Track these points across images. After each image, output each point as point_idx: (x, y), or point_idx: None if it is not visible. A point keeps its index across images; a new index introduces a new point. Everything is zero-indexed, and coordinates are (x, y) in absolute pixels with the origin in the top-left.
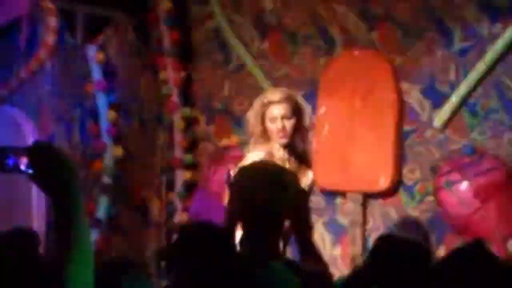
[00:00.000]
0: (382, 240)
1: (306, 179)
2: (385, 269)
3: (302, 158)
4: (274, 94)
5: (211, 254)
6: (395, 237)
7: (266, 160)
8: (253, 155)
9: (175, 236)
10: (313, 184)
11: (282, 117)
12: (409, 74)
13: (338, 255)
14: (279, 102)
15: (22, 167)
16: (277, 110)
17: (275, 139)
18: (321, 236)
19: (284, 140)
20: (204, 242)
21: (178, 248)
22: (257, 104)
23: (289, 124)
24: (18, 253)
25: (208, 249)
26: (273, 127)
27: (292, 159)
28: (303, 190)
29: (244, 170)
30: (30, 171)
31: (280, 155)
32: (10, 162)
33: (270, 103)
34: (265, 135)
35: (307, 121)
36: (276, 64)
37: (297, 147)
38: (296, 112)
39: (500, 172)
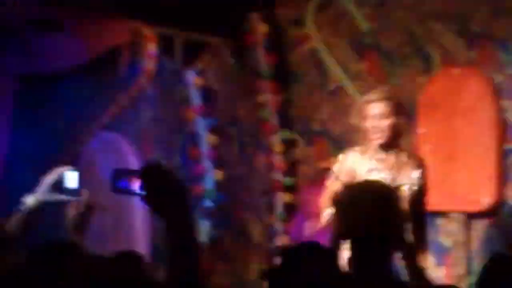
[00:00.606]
0: (495, 260)
1: (410, 179)
2: None
3: (402, 159)
4: (374, 93)
5: (317, 274)
6: (509, 257)
7: (373, 179)
8: (345, 155)
9: (277, 258)
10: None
11: (380, 116)
12: (509, 92)
13: (442, 277)
14: (378, 100)
15: (136, 189)
16: (375, 109)
17: (372, 138)
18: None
19: (380, 140)
20: (310, 262)
21: (283, 269)
22: (359, 102)
23: (386, 123)
24: (126, 274)
25: (314, 269)
26: (370, 125)
27: (391, 160)
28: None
29: (350, 189)
30: (144, 192)
31: (377, 156)
32: (123, 184)
33: (369, 101)
34: (364, 135)
35: (407, 122)
36: (373, 85)
37: (396, 148)
38: (396, 112)
39: None
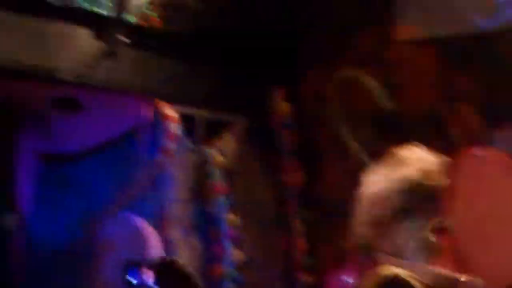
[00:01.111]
0: None
1: None
2: None
3: None
4: None
5: None
6: None
7: (405, 277)
8: (374, 178)
9: None
10: None
11: None
12: None
13: None
14: None
15: (150, 283)
16: None
17: None
18: None
19: None
20: None
21: None
22: None
23: None
24: None
25: None
26: None
27: None
28: None
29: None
30: (157, 287)
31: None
32: (136, 277)
33: None
34: None
35: None
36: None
37: None
38: None
39: None
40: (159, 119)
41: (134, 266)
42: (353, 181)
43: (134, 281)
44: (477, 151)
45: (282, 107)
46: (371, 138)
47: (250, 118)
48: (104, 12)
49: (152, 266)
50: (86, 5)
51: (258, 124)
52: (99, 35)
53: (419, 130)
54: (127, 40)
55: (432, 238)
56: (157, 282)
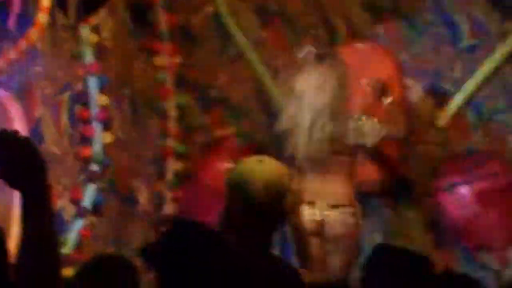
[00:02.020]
0: (378, 249)
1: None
2: (381, 281)
3: None
4: None
5: (196, 254)
6: (392, 246)
7: (266, 158)
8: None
9: (160, 231)
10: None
11: None
12: (413, 71)
13: None
14: None
15: None
16: None
17: None
18: None
19: None
20: (189, 241)
21: (159, 247)
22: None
23: None
24: None
25: (194, 248)
26: None
27: None
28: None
29: (240, 169)
30: None
31: None
32: None
33: None
34: None
35: None
36: (275, 54)
37: None
38: None
39: (504, 177)
40: None
41: None
42: (231, 67)
43: None
44: (360, 44)
45: None
46: (254, 25)
47: None
48: None
49: None
50: None
51: (136, 3)
52: None
53: (302, 20)
54: None
55: None
56: None
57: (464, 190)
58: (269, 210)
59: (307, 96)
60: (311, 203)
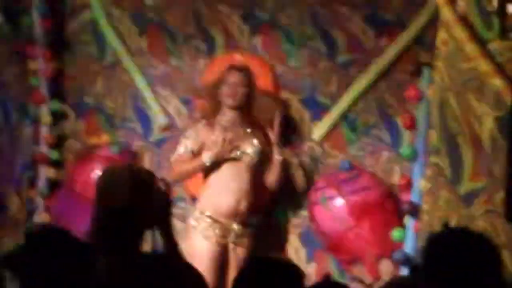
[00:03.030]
0: (252, 261)
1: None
2: None
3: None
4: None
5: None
6: (266, 258)
7: (134, 164)
8: (195, 129)
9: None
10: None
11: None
12: (290, 83)
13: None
14: (237, 69)
15: None
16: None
17: (227, 104)
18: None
19: (233, 104)
20: (51, 250)
21: (22, 255)
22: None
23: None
24: None
25: (53, 256)
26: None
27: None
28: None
29: (107, 172)
30: None
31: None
32: None
33: (230, 69)
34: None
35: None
36: (154, 63)
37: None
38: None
39: (376, 191)
40: None
41: None
42: (107, 76)
43: None
44: (237, 55)
45: None
46: (132, 33)
47: None
48: None
49: None
50: None
51: (9, 5)
52: None
53: (182, 29)
54: None
55: None
56: None
57: (337, 203)
58: (136, 216)
59: None
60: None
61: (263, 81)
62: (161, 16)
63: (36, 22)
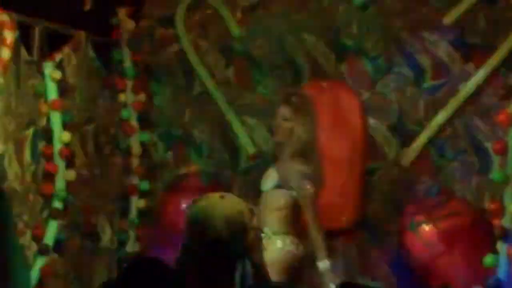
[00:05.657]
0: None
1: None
2: None
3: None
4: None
5: None
6: (355, 285)
7: (226, 194)
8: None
9: (120, 270)
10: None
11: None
12: (377, 110)
13: None
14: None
15: None
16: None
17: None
18: None
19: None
20: (148, 279)
21: (119, 284)
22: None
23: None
24: None
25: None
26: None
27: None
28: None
29: (198, 203)
30: None
31: None
32: None
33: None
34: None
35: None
36: (240, 92)
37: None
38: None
39: (467, 216)
40: None
41: None
42: (195, 106)
43: None
44: (323, 82)
45: (127, 25)
46: (219, 64)
47: (93, 33)
48: None
49: None
50: None
51: (101, 41)
52: None
53: (267, 59)
54: None
55: None
56: None
57: (428, 229)
58: (229, 246)
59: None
60: None
61: (349, 108)
62: (247, 46)
63: (126, 55)
